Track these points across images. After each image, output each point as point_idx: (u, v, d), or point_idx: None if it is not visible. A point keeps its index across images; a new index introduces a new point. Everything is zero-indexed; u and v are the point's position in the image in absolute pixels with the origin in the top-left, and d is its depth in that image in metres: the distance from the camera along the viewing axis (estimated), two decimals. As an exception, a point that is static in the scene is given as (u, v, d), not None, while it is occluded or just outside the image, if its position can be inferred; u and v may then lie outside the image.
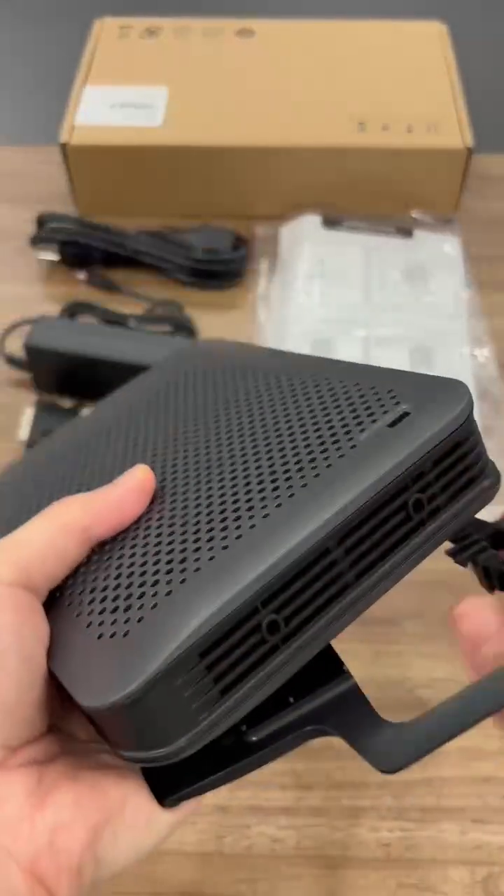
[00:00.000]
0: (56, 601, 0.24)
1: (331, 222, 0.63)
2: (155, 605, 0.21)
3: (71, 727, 0.26)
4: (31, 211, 0.63)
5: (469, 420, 0.24)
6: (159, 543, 0.23)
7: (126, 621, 0.22)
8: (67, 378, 0.54)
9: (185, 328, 0.57)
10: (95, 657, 0.22)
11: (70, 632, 0.23)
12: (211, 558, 0.22)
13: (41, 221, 0.62)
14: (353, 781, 0.40)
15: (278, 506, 0.22)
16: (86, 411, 0.53)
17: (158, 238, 0.61)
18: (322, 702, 0.24)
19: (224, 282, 0.61)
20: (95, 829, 0.22)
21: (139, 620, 0.21)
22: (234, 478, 0.24)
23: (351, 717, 0.23)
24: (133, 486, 0.25)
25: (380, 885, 0.37)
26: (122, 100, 0.65)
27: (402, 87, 0.66)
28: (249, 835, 0.38)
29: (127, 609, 0.22)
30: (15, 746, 0.23)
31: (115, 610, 0.22)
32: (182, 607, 0.21)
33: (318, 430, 0.24)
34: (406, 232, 0.63)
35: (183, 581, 0.22)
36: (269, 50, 0.69)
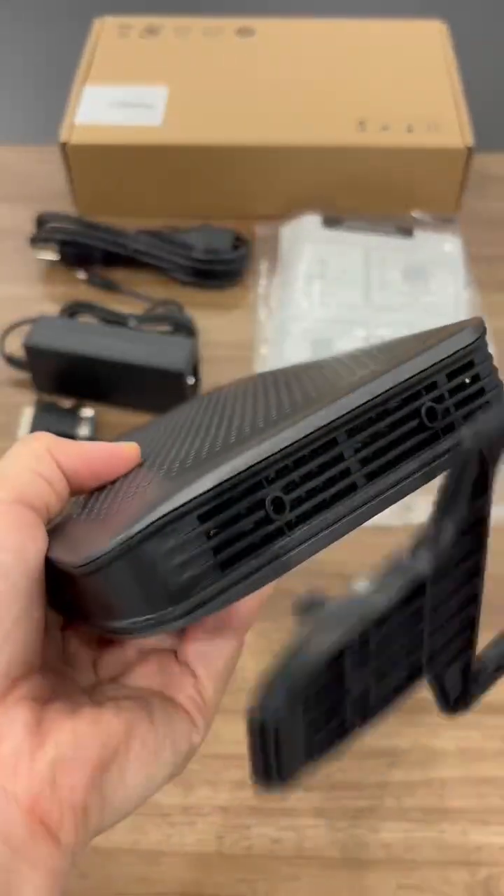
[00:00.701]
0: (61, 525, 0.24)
1: (331, 222, 0.63)
2: (160, 483, 0.22)
3: (72, 671, 0.26)
4: (31, 210, 0.63)
5: (482, 341, 0.25)
6: (180, 457, 0.24)
7: (129, 500, 0.22)
8: (67, 378, 0.54)
9: (185, 328, 0.57)
10: (94, 530, 0.22)
11: (72, 527, 0.23)
12: (225, 442, 0.23)
13: (41, 221, 0.62)
14: (353, 782, 0.40)
15: (293, 402, 0.23)
16: (87, 411, 0.53)
17: (158, 238, 0.61)
18: None
19: (224, 282, 0.61)
20: (100, 765, 0.22)
21: (141, 496, 0.22)
22: (266, 409, 0.25)
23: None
24: (114, 450, 0.25)
25: (380, 885, 0.37)
26: (122, 99, 0.65)
27: (403, 86, 0.66)
28: (249, 835, 0.38)
29: (133, 496, 0.22)
30: (15, 676, 0.22)
31: (120, 499, 0.23)
32: (187, 477, 0.21)
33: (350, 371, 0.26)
34: (406, 231, 0.63)
35: (193, 461, 0.22)
36: (269, 49, 0.69)
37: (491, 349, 0.56)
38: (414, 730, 0.41)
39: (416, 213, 0.65)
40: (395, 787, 0.39)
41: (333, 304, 0.58)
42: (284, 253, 0.62)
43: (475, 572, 0.23)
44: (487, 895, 0.37)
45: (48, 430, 0.50)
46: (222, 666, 0.26)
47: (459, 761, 0.40)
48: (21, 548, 0.22)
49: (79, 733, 0.22)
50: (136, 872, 0.37)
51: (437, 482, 0.23)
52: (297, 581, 0.24)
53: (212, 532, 0.20)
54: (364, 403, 0.22)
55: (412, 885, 0.37)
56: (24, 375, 0.55)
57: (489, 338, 0.63)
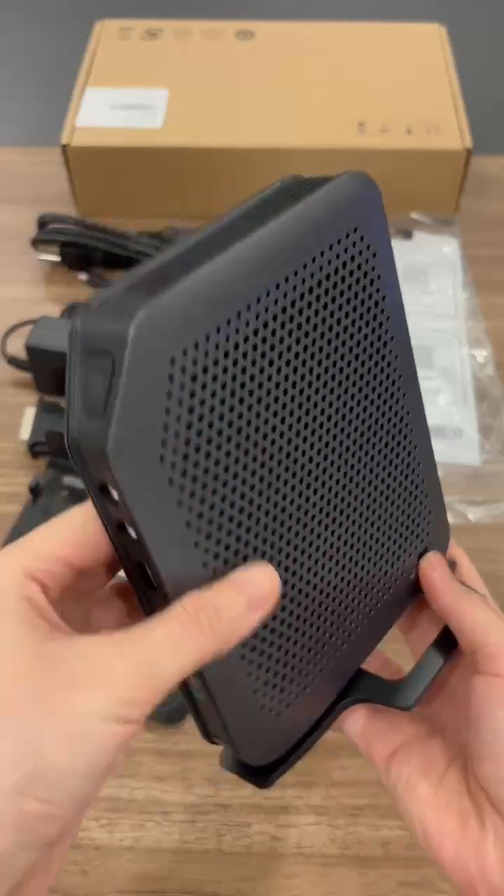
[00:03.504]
0: None
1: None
2: None
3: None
4: (33, 212, 0.63)
5: None
6: None
7: None
8: (68, 378, 0.54)
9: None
10: None
11: None
12: None
13: (42, 222, 0.62)
14: (352, 780, 0.40)
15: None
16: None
17: (159, 239, 0.62)
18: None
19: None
20: None
21: None
22: None
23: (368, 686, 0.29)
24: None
25: (379, 883, 0.37)
26: (123, 101, 0.65)
27: (402, 88, 0.66)
28: (249, 833, 0.38)
29: None
30: None
31: None
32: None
33: None
34: (406, 234, 0.63)
35: None
36: (269, 51, 0.69)
37: (490, 349, 0.56)
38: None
39: (415, 215, 0.65)
40: (395, 785, 0.40)
41: None
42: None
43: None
44: (486, 892, 0.37)
45: (49, 430, 0.50)
46: None
47: (458, 759, 0.40)
48: None
49: None
50: (136, 869, 0.37)
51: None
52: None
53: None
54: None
55: (412, 882, 0.37)
56: (25, 376, 0.55)
57: (488, 338, 0.63)
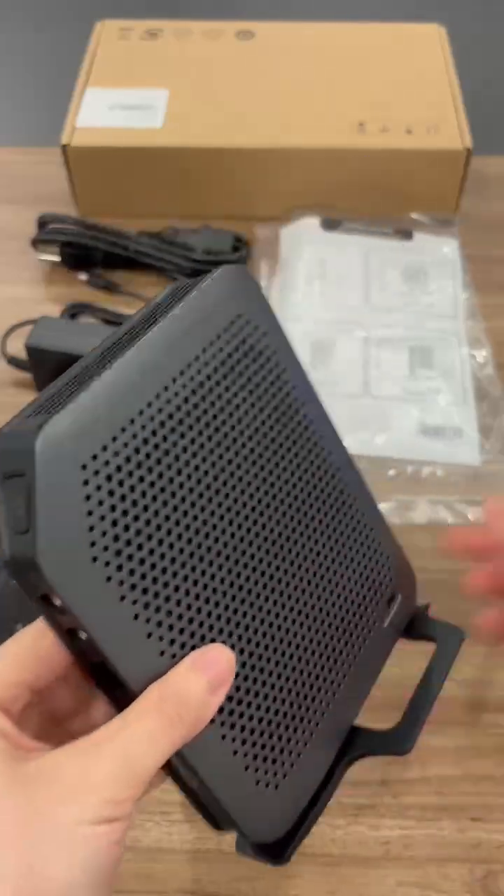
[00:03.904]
0: None
1: (330, 224, 0.63)
2: None
3: None
4: (33, 212, 0.63)
5: None
6: None
7: None
8: (68, 379, 0.54)
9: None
10: None
11: None
12: None
13: (42, 222, 0.62)
14: (352, 780, 0.40)
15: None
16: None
17: (159, 239, 0.62)
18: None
19: (224, 283, 0.61)
20: None
21: None
22: None
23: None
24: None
25: (379, 883, 0.37)
26: (123, 101, 0.65)
27: (402, 88, 0.66)
28: (249, 833, 0.38)
29: None
30: None
31: None
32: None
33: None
34: (406, 234, 0.63)
35: None
36: (268, 52, 0.69)
37: (489, 349, 0.56)
38: (413, 728, 0.41)
39: (415, 215, 0.65)
40: (394, 784, 0.40)
41: (333, 305, 0.58)
42: (284, 255, 0.62)
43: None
44: (486, 892, 0.37)
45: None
46: None
47: (458, 759, 0.40)
48: None
49: None
50: (136, 869, 0.37)
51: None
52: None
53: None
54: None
55: (411, 882, 0.37)
56: (25, 376, 0.55)
57: (488, 338, 0.63)
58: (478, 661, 0.43)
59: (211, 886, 0.37)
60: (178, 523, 0.23)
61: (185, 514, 0.24)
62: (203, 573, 0.24)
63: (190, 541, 0.24)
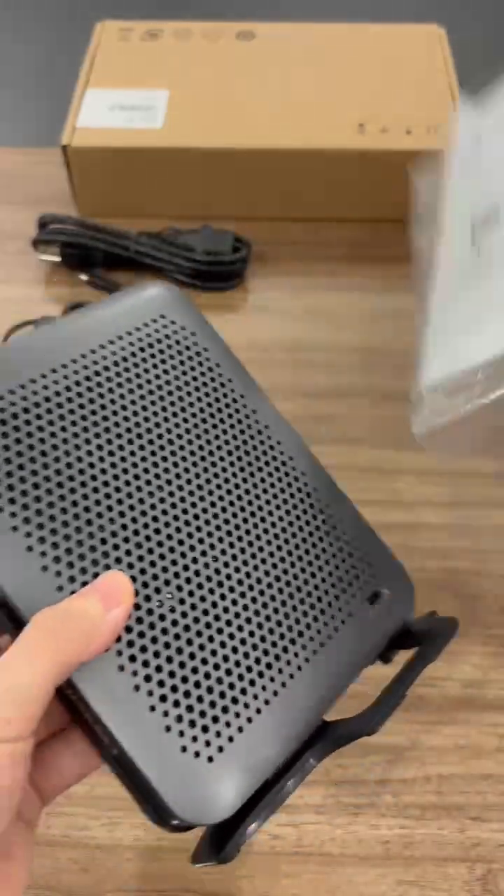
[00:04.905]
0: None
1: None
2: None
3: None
4: (33, 212, 0.63)
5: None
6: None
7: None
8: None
9: (185, 329, 0.58)
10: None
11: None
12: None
13: (42, 223, 0.62)
14: (352, 779, 0.40)
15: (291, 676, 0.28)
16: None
17: (159, 240, 0.62)
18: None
19: (224, 283, 0.62)
20: None
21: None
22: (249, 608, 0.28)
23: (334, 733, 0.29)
24: (109, 622, 0.23)
25: (379, 882, 0.37)
26: (123, 102, 0.65)
27: (402, 89, 0.66)
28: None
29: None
30: None
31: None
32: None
33: (320, 583, 0.30)
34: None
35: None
36: (269, 52, 0.70)
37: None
38: (412, 727, 0.41)
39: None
40: (394, 784, 0.40)
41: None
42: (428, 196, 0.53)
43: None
44: (486, 891, 0.37)
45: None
46: None
47: (457, 758, 0.40)
48: None
49: None
50: (137, 868, 0.37)
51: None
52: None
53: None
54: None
55: (411, 881, 0.37)
56: (25, 376, 0.55)
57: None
58: (477, 661, 0.43)
59: (211, 886, 0.37)
60: (81, 472, 0.26)
61: (92, 465, 0.26)
62: (101, 515, 0.25)
63: (96, 489, 0.26)
